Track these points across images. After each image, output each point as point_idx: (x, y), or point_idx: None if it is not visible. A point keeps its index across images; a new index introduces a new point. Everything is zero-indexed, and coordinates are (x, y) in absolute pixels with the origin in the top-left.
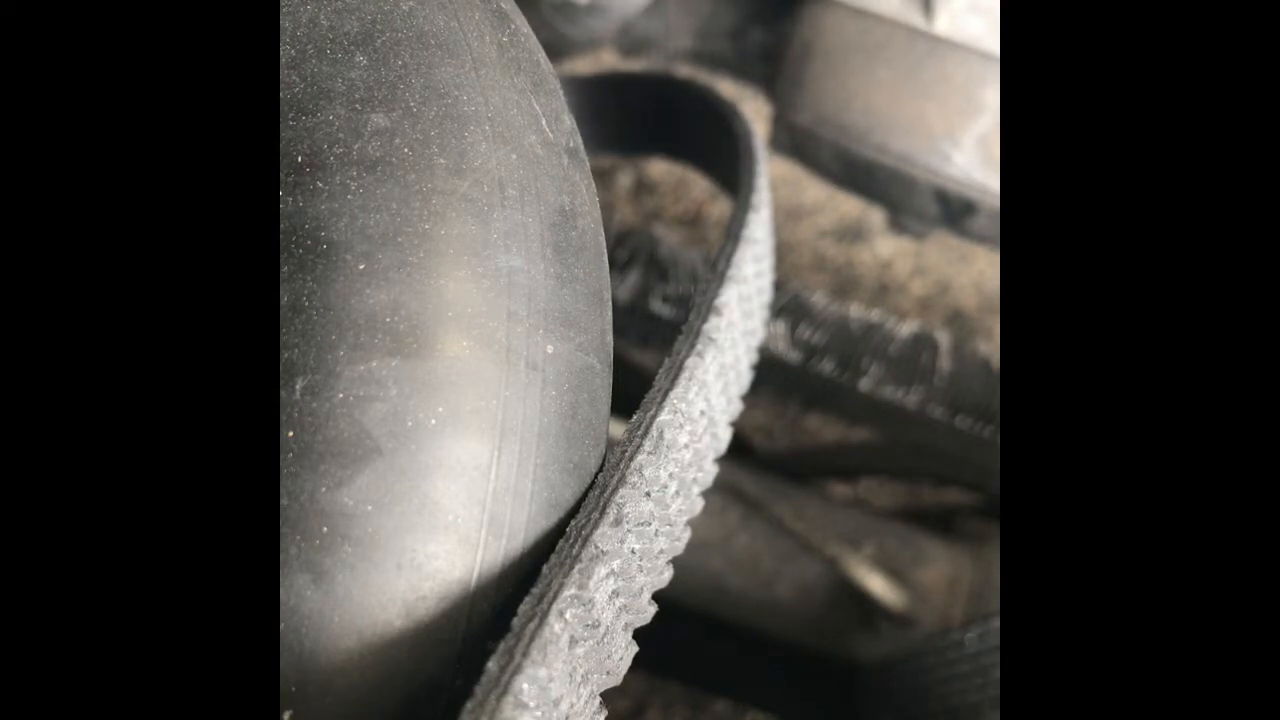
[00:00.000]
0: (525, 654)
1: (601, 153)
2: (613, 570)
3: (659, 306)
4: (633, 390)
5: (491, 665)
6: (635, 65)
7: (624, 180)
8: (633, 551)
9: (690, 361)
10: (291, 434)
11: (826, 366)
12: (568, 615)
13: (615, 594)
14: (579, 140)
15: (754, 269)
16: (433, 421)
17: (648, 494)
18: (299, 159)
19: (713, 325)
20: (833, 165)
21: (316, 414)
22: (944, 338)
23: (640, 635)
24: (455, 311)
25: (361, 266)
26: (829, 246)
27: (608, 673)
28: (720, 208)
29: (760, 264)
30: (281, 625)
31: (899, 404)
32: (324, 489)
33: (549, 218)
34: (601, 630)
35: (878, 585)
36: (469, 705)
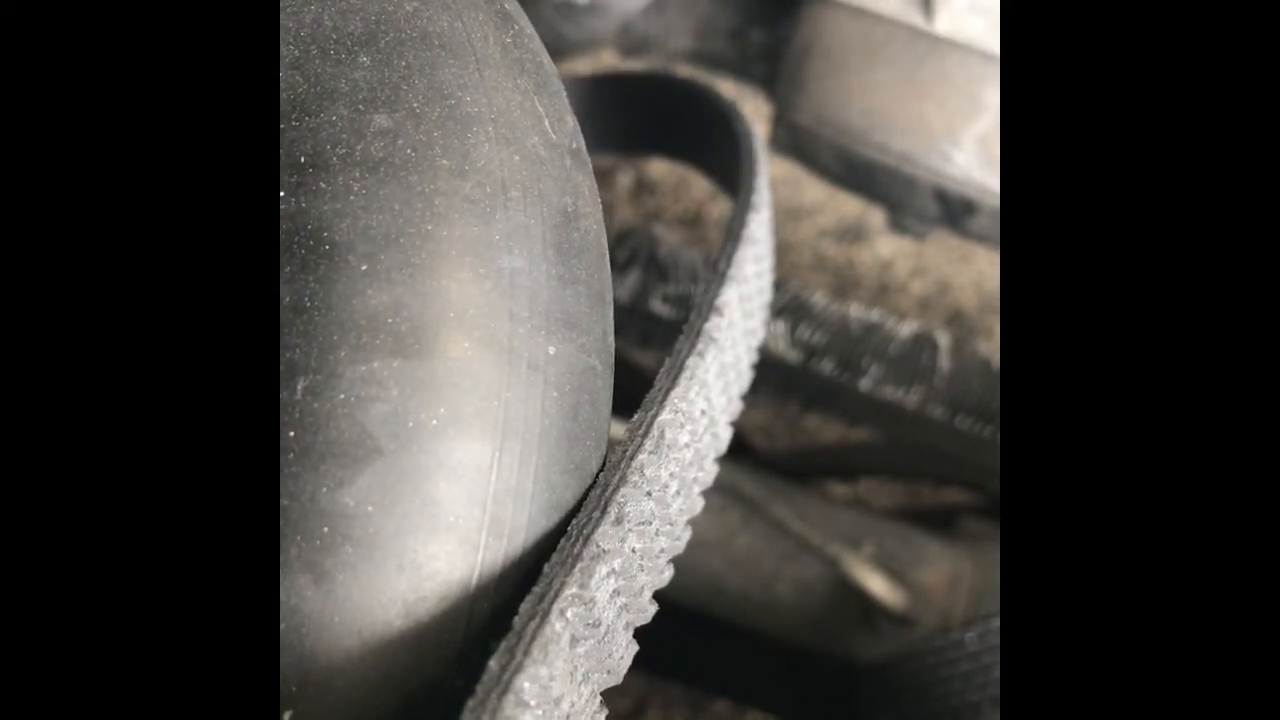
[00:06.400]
0: (526, 653)
1: (601, 153)
2: (614, 569)
3: (659, 306)
4: (634, 390)
5: (493, 664)
6: (635, 65)
7: (624, 180)
8: (634, 550)
9: (691, 361)
10: (293, 434)
11: (826, 366)
12: (569, 614)
13: (616, 593)
14: (582, 141)
15: (754, 269)
16: (434, 422)
17: (649, 493)
18: (302, 159)
19: (714, 325)
20: (833, 165)
21: (318, 414)
22: (944, 338)
23: (640, 635)
24: (457, 312)
25: (364, 267)
26: (829, 246)
27: (608, 671)
28: (720, 208)
29: (761, 264)
30: (282, 625)
31: (899, 404)
32: (325, 489)
33: (551, 219)
34: (602, 629)
35: (878, 585)
36: (470, 704)
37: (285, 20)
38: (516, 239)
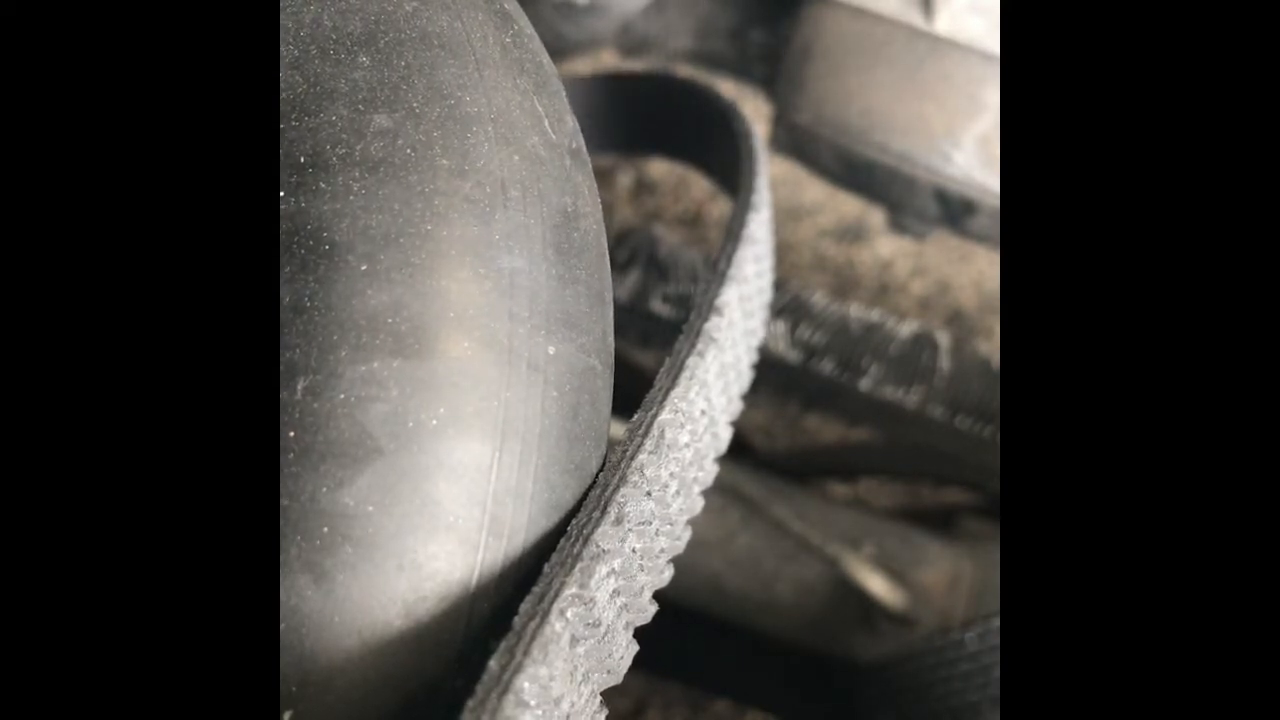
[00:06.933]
0: (526, 653)
1: (601, 153)
2: (614, 569)
3: (659, 306)
4: (634, 390)
5: (493, 664)
6: (635, 65)
7: (624, 180)
8: (634, 550)
9: (691, 361)
10: (292, 434)
11: (826, 366)
12: (569, 614)
13: (616, 593)
14: (581, 141)
15: (754, 269)
16: (434, 422)
17: (649, 493)
18: (301, 159)
19: (714, 325)
20: (833, 165)
21: (318, 414)
22: (944, 338)
23: (640, 635)
24: (457, 312)
25: (363, 267)
26: (829, 246)
27: (608, 671)
28: (720, 208)
29: (761, 264)
30: (282, 625)
31: (899, 404)
32: (325, 489)
33: (551, 219)
34: (602, 629)
35: (878, 585)
36: (470, 704)
37: (285, 20)
38: (516, 239)
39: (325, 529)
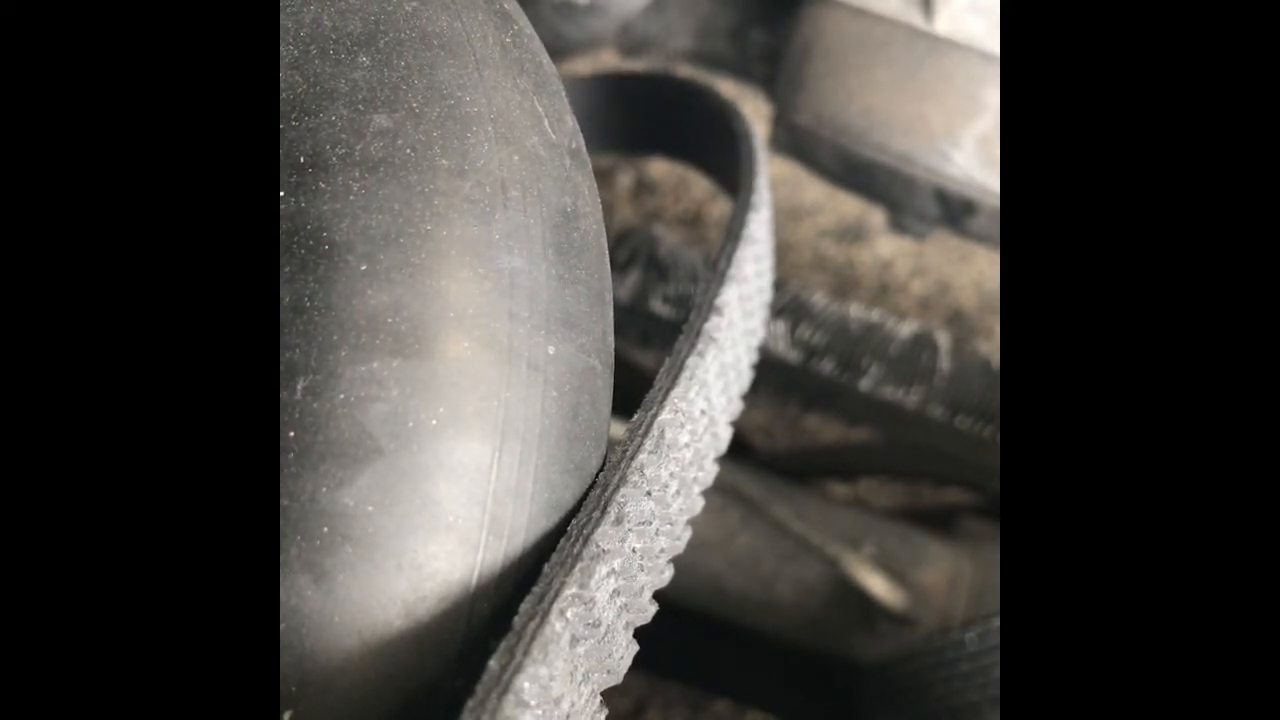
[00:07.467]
0: (526, 653)
1: (601, 153)
2: (614, 569)
3: (659, 306)
4: (634, 390)
5: (493, 664)
6: (635, 65)
7: (624, 180)
8: (634, 550)
9: (691, 361)
10: (292, 434)
11: (826, 366)
12: (569, 614)
13: (616, 593)
14: (581, 141)
15: (754, 269)
16: (434, 422)
17: (649, 493)
18: (301, 159)
19: (714, 324)
20: (833, 165)
21: (317, 414)
22: (944, 338)
23: (640, 635)
24: (457, 312)
25: (363, 267)
26: (829, 246)
27: (608, 671)
28: (720, 208)
29: (761, 264)
30: (282, 625)
31: (899, 404)
32: (325, 489)
33: (551, 219)
34: (602, 629)
35: (878, 585)
36: (470, 704)
37: (285, 20)
38: (516, 239)
39: (325, 529)
